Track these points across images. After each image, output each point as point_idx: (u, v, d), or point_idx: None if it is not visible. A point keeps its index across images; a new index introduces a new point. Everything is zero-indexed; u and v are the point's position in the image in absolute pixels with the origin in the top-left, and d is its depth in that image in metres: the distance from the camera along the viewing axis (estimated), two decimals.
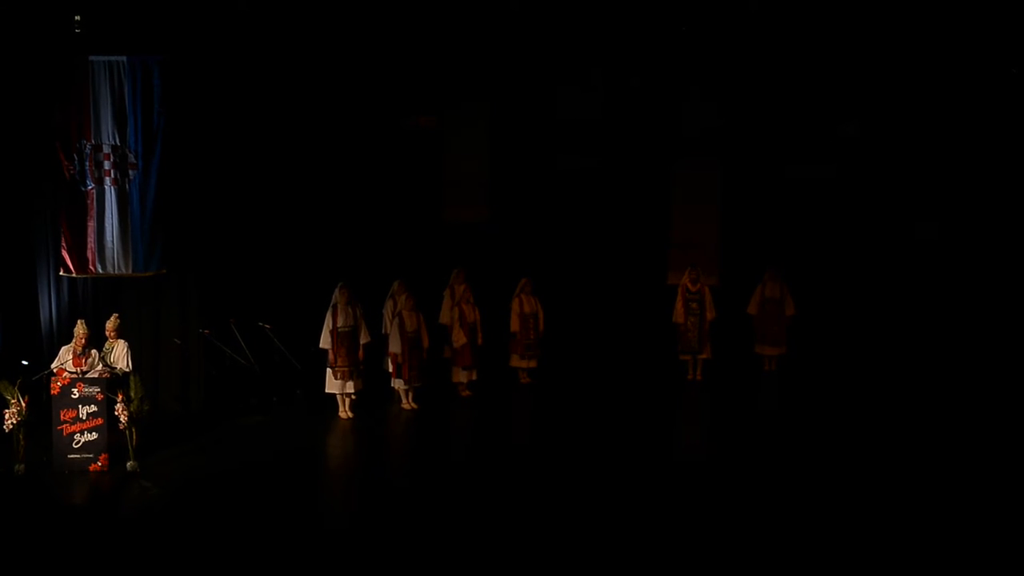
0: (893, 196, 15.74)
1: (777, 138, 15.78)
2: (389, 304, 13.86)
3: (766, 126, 15.75)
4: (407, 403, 13.51)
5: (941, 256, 15.55)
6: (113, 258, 12.90)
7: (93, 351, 11.43)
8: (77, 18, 12.47)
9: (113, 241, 12.88)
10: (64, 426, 10.91)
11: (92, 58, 12.66)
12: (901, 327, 15.44)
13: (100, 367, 11.33)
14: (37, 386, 11.42)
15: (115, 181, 12.87)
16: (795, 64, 15.19)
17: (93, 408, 10.94)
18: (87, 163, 12.78)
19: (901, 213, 15.75)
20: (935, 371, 14.61)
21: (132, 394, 11.05)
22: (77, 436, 10.92)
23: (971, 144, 15.32)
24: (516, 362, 14.72)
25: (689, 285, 14.95)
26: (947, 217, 15.62)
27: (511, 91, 15.32)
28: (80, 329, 11.35)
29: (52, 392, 11.00)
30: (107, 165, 12.84)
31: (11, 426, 10.71)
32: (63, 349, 11.51)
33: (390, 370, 13.56)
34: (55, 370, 11.25)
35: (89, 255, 12.87)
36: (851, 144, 15.74)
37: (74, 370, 11.17)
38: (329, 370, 13.10)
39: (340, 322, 12.98)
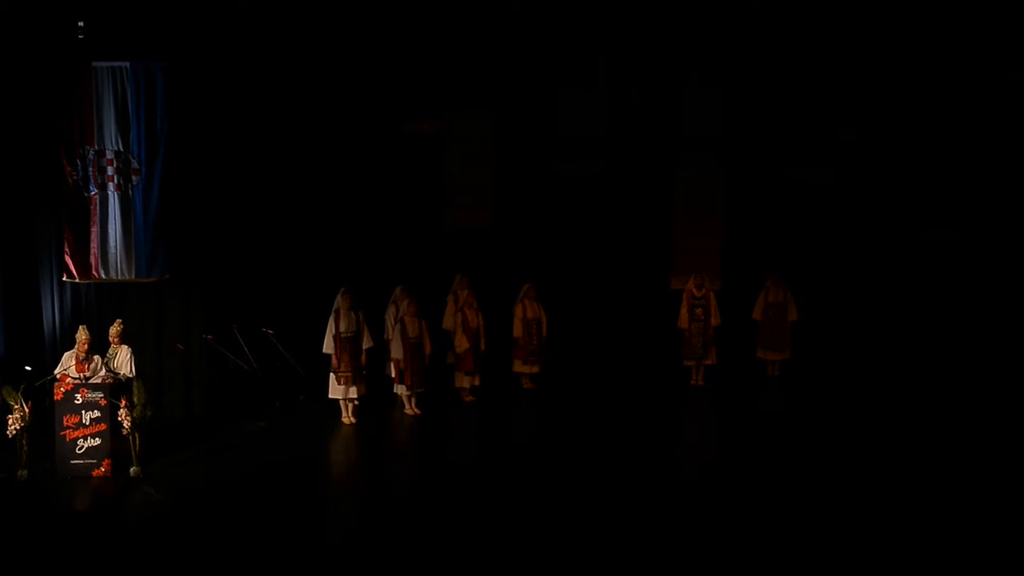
0: (895, 200, 15.71)
1: (779, 143, 15.75)
2: (391, 310, 13.85)
3: (768, 131, 15.72)
4: (410, 408, 13.49)
5: (945, 260, 15.52)
6: (116, 264, 12.92)
7: (96, 357, 11.42)
8: (80, 24, 12.50)
9: (116, 247, 12.89)
10: (67, 431, 10.92)
11: (95, 64, 12.68)
12: (905, 332, 15.41)
13: (103, 373, 11.33)
14: (40, 392, 11.43)
15: (118, 187, 12.89)
16: (796, 68, 15.18)
17: (96, 414, 10.94)
18: (90, 169, 12.80)
19: (904, 217, 15.72)
20: (939, 376, 14.57)
21: (135, 400, 11.05)
22: (80, 442, 10.93)
23: (972, 147, 15.30)
24: (519, 367, 14.71)
25: (694, 291, 14.93)
26: (952, 220, 15.59)
27: (513, 96, 15.31)
28: (82, 335, 11.35)
29: (55, 398, 11.01)
30: (110, 171, 12.85)
31: (14, 431, 10.70)
32: (66, 355, 11.50)
33: (393, 376, 13.55)
34: (58, 376, 11.25)
35: (92, 261, 12.88)
36: (851, 148, 15.71)
37: (77, 376, 11.17)
38: (332, 375, 13.09)
39: (343, 327, 12.97)
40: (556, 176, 15.74)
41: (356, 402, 13.18)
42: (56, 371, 11.39)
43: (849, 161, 15.75)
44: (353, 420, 13.14)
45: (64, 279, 12.94)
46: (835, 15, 14.42)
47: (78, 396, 10.95)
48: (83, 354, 11.30)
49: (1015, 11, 13.89)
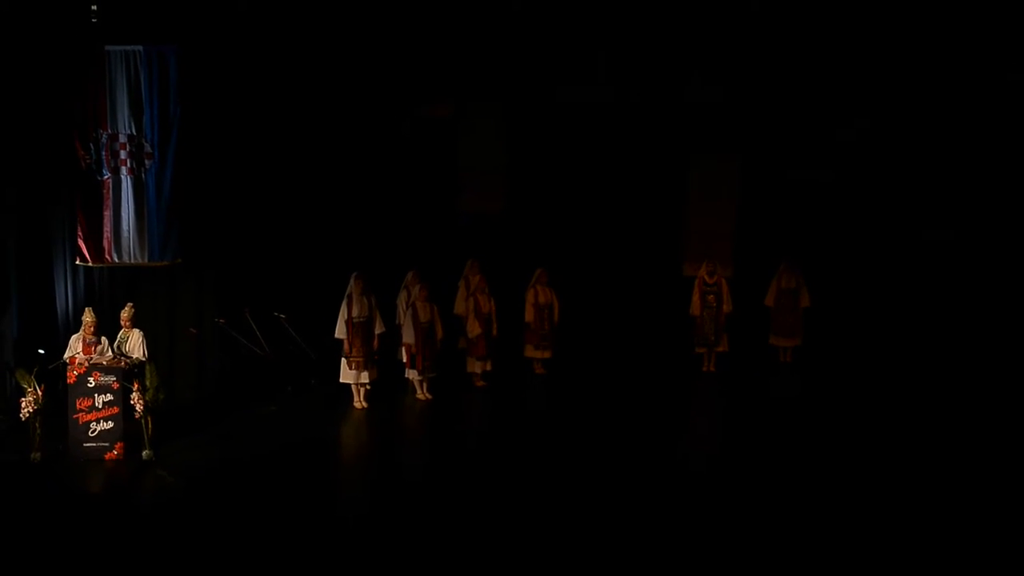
0: (907, 192, 15.66)
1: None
2: (403, 294, 13.86)
3: (782, 120, 15.66)
4: (421, 393, 13.51)
5: (955, 250, 15.46)
6: (129, 247, 12.94)
7: (103, 339, 11.46)
8: (94, 7, 12.48)
9: (129, 230, 12.92)
10: (80, 414, 10.96)
11: (108, 48, 12.68)
12: (916, 319, 15.36)
13: (109, 355, 11.36)
14: (53, 375, 11.49)
15: (131, 171, 12.91)
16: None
17: (109, 397, 10.98)
18: (103, 153, 12.82)
19: (915, 208, 15.66)
20: (950, 362, 14.52)
21: (148, 383, 11.10)
22: (93, 425, 10.97)
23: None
24: (531, 352, 14.72)
25: (706, 278, 14.90)
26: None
27: (526, 81, 15.27)
28: (88, 317, 11.36)
29: (68, 381, 11.04)
30: (123, 155, 12.87)
31: (28, 414, 10.74)
32: (73, 338, 11.54)
33: (404, 360, 13.56)
34: (67, 360, 11.29)
35: (105, 244, 12.91)
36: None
37: (85, 358, 11.20)
38: (344, 360, 13.11)
39: (355, 312, 12.98)
40: (570, 161, 15.72)
41: (368, 387, 13.20)
42: (65, 355, 11.44)
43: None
44: (364, 405, 13.16)
45: (77, 263, 12.97)
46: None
47: (91, 379, 10.99)
48: (90, 336, 11.33)
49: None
